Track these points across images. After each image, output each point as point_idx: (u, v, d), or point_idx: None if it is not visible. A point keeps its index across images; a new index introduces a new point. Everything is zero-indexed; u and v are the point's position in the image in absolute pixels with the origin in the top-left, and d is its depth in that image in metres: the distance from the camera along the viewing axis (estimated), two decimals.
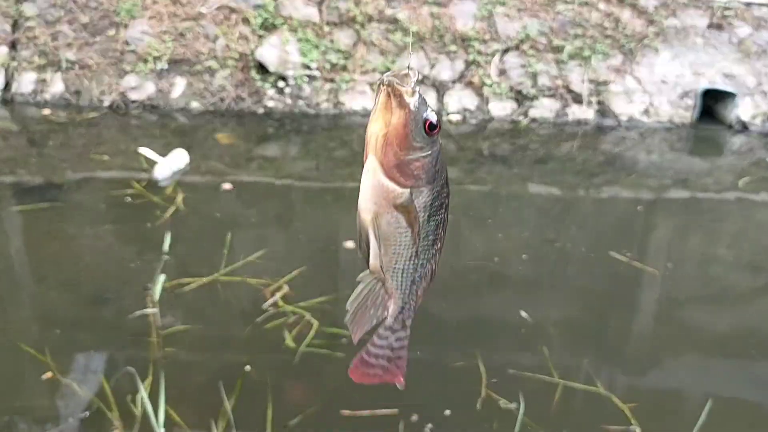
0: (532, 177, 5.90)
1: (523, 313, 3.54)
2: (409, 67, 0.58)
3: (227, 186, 4.95)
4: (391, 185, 0.57)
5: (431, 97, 6.64)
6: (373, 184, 0.58)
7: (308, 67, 6.61)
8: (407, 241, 0.61)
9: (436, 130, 0.57)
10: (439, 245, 0.64)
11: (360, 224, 0.61)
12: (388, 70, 5.92)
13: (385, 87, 0.57)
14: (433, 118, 0.56)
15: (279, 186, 5.33)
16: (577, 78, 6.84)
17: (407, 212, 0.58)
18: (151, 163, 5.04)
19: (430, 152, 0.57)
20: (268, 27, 6.73)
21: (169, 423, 2.67)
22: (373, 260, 0.66)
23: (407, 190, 0.57)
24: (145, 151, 5.11)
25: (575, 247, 4.53)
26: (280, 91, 6.61)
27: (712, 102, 6.99)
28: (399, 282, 0.66)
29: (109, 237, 4.38)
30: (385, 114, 0.57)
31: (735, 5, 7.12)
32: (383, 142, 0.58)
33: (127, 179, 4.92)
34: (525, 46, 6.87)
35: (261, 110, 6.57)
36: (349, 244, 4.16)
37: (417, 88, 0.58)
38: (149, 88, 6.53)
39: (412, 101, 0.56)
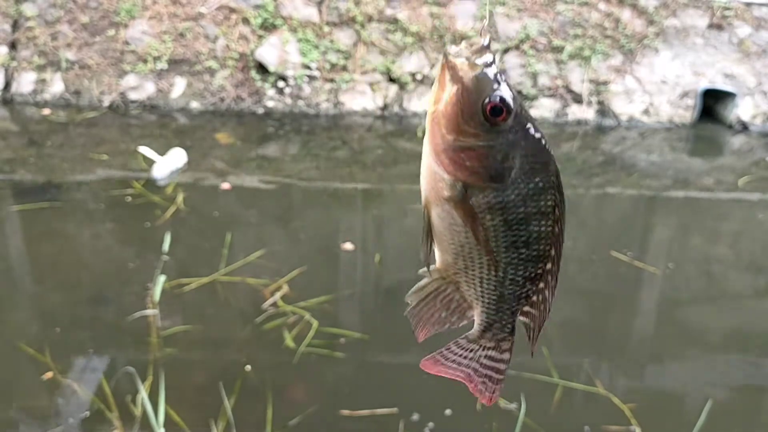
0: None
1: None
2: (483, 31, 0.48)
3: (225, 186, 4.95)
4: (440, 172, 0.48)
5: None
6: (427, 165, 0.50)
7: (308, 67, 6.61)
8: (470, 243, 0.51)
9: (500, 117, 0.46)
10: (545, 266, 0.53)
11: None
12: (388, 70, 5.92)
13: (442, 58, 0.48)
14: (497, 101, 0.46)
15: (279, 186, 5.33)
16: (577, 78, 6.84)
17: (459, 209, 0.49)
18: (150, 162, 5.04)
19: (491, 143, 0.47)
20: (268, 27, 6.73)
21: (168, 423, 2.67)
22: (437, 255, 0.57)
23: (459, 183, 0.48)
24: (145, 150, 5.12)
25: (575, 246, 4.52)
26: (280, 91, 6.61)
27: (712, 102, 6.99)
28: (478, 293, 0.56)
29: (109, 237, 4.38)
30: (438, 89, 0.49)
31: (735, 5, 7.12)
32: (431, 121, 0.49)
33: (126, 179, 4.92)
34: (525, 46, 6.86)
35: (261, 110, 6.57)
36: (348, 246, 4.16)
37: (483, 62, 0.48)
38: (149, 88, 6.53)
39: (468, 76, 0.47)
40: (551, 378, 3.07)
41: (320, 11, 6.83)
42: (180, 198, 4.60)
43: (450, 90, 0.48)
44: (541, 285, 0.56)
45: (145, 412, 2.67)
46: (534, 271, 0.54)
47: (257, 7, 6.78)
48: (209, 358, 3.24)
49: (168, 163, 5.04)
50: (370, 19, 6.81)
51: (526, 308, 0.58)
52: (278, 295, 3.54)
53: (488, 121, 0.46)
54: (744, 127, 6.89)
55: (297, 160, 5.96)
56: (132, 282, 3.70)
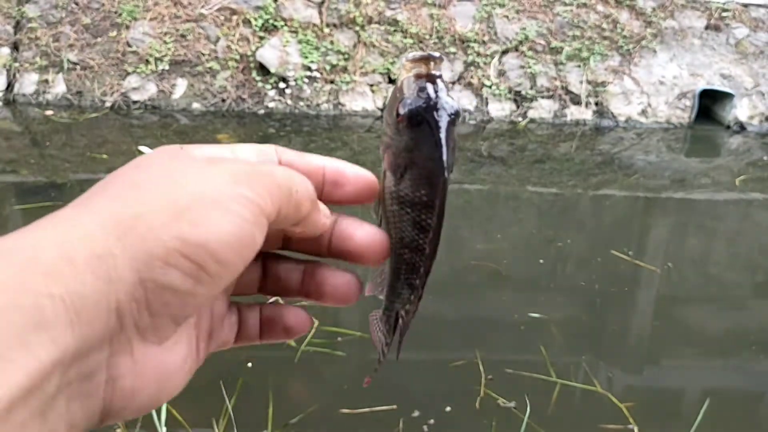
0: (530, 177, 5.92)
1: (533, 315, 3.57)
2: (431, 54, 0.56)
3: None
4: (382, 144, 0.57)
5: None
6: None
7: (309, 69, 6.64)
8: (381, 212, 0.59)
9: (399, 119, 0.54)
10: (410, 255, 0.58)
11: None
12: (388, 71, 5.93)
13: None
14: (403, 109, 0.53)
15: None
16: (576, 79, 6.87)
17: (379, 179, 0.58)
18: None
19: (395, 139, 0.55)
20: (269, 28, 6.76)
21: (171, 421, 2.70)
22: None
23: (382, 160, 0.57)
24: (145, 150, 5.15)
25: (573, 246, 4.55)
26: (281, 92, 6.64)
27: (710, 102, 7.02)
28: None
29: None
30: None
31: (732, 6, 7.15)
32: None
33: None
34: (524, 48, 6.89)
35: (262, 111, 6.59)
36: None
37: (416, 71, 0.55)
38: (151, 89, 6.55)
39: (402, 80, 0.55)
40: (549, 377, 3.10)
41: (321, 13, 6.86)
42: None
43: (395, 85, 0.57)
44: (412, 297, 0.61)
45: None
46: (409, 277, 0.59)
47: (258, 8, 6.81)
48: (210, 357, 3.25)
49: None
50: (370, 20, 6.83)
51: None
52: None
53: (396, 120, 0.54)
54: (741, 128, 6.92)
55: None
56: None
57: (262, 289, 0.58)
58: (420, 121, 0.54)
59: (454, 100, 0.56)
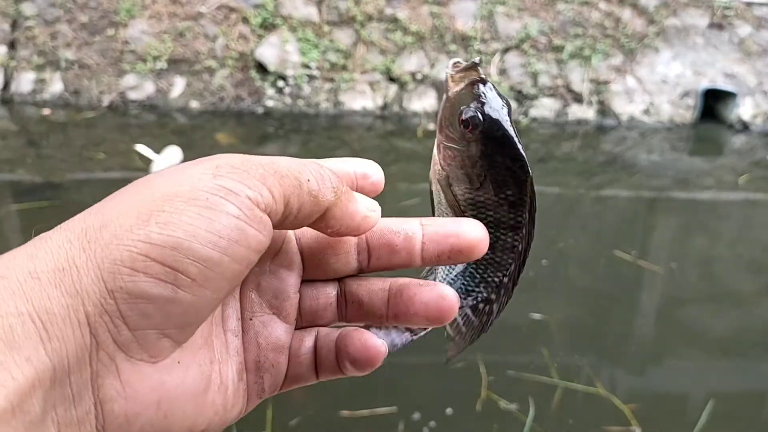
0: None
1: (536, 315, 3.54)
2: (476, 59, 0.58)
3: None
4: (436, 159, 0.57)
5: (430, 97, 6.63)
6: (433, 152, 0.58)
7: (308, 67, 6.61)
8: None
9: (468, 128, 0.53)
10: (501, 277, 0.57)
11: None
12: (388, 70, 5.92)
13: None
14: (466, 116, 0.54)
15: None
16: (578, 77, 6.83)
17: (445, 193, 0.56)
18: (147, 161, 5.04)
19: (463, 148, 0.55)
20: (268, 26, 6.72)
21: None
22: None
23: (444, 173, 0.56)
24: (141, 149, 5.12)
25: (576, 246, 4.52)
26: (280, 90, 6.60)
27: (713, 101, 6.98)
28: (444, 273, 0.60)
29: None
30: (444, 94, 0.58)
31: (735, 5, 7.12)
32: (437, 119, 0.58)
33: (126, 179, 4.88)
34: (525, 46, 6.86)
35: (260, 110, 6.56)
36: None
37: (470, 79, 0.56)
38: (148, 88, 6.52)
39: (454, 89, 0.56)
40: (551, 378, 3.07)
41: (320, 10, 6.82)
42: None
43: (444, 98, 0.57)
44: (492, 296, 0.59)
45: None
46: (489, 276, 0.58)
47: (257, 6, 6.78)
48: None
49: (165, 161, 5.04)
50: (369, 18, 6.80)
51: (468, 314, 0.61)
52: None
53: (461, 130, 0.54)
54: (745, 127, 6.88)
55: None
56: None
57: (343, 316, 0.54)
58: (494, 128, 0.54)
59: (504, 97, 0.56)
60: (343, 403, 2.84)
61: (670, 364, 3.48)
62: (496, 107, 0.55)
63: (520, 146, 0.55)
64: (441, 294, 0.51)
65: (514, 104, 6.78)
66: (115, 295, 0.39)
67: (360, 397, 2.83)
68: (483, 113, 0.54)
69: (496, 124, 0.54)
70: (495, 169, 0.54)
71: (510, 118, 0.56)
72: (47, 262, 0.38)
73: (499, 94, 0.55)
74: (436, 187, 0.57)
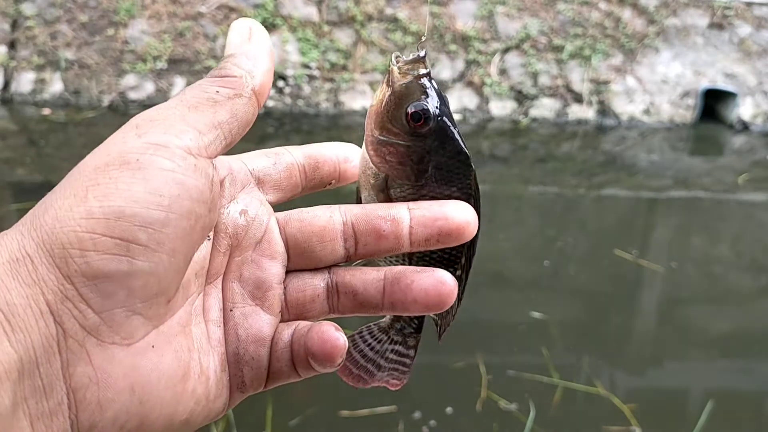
0: (532, 177, 5.89)
1: (536, 314, 3.53)
2: (419, 48, 0.55)
3: None
4: (368, 161, 0.55)
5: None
6: (361, 154, 0.57)
7: (308, 67, 6.60)
8: None
9: (419, 123, 0.52)
10: (453, 271, 0.55)
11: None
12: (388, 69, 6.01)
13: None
14: (418, 109, 0.52)
15: None
16: (578, 77, 6.83)
17: (381, 196, 0.54)
18: None
19: (408, 143, 0.53)
20: (268, 26, 6.72)
21: None
22: None
23: (381, 174, 0.54)
24: None
25: (576, 246, 4.52)
26: (280, 90, 6.60)
27: (713, 101, 6.98)
28: None
29: None
30: (380, 89, 0.56)
31: (735, 5, 7.11)
32: (368, 115, 0.56)
33: None
34: (525, 46, 6.86)
35: (260, 110, 6.55)
36: None
37: (416, 73, 0.54)
38: (148, 88, 6.52)
39: (400, 82, 0.54)
40: (551, 378, 3.06)
41: (320, 10, 6.82)
42: None
43: (383, 90, 0.55)
44: None
45: None
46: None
47: (257, 6, 6.78)
48: None
49: None
50: (369, 18, 6.80)
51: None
52: None
53: (408, 125, 0.53)
54: (745, 127, 6.88)
55: None
56: None
57: (335, 308, 0.52)
58: (443, 122, 0.53)
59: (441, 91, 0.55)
60: (343, 402, 2.84)
61: (669, 364, 3.48)
62: (444, 101, 0.54)
63: (463, 142, 0.55)
64: (440, 279, 0.50)
65: (514, 104, 6.78)
66: (72, 280, 0.38)
67: (360, 397, 2.83)
68: (434, 107, 0.53)
69: (446, 118, 0.54)
70: (441, 163, 0.54)
71: (450, 112, 0.55)
72: (2, 254, 0.38)
73: (438, 90, 0.55)
74: (366, 194, 0.56)
